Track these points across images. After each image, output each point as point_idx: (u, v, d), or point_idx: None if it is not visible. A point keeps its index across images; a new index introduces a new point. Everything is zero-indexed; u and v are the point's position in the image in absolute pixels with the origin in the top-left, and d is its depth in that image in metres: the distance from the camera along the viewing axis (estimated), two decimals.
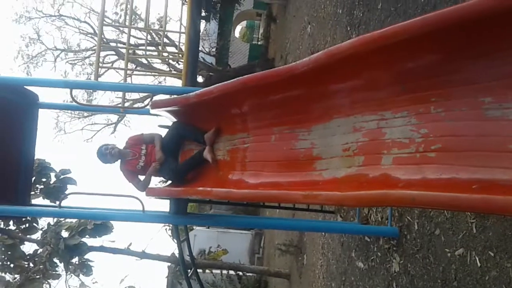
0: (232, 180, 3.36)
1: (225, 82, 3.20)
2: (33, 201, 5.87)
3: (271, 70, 2.86)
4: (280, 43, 16.79)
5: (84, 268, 9.28)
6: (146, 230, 63.16)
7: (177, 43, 12.50)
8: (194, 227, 16.48)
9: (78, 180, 8.54)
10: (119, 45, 18.27)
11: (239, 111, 3.32)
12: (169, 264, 12.55)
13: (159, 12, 19.75)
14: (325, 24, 8.76)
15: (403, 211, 4.26)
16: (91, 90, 18.00)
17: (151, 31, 12.25)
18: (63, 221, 8.78)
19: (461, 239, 3.27)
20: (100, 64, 6.20)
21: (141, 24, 18.21)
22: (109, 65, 15.97)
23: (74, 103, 4.94)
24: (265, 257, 16.52)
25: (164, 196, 4.04)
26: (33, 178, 7.01)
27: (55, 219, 8.72)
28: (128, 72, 6.42)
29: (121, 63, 17.10)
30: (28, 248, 9.34)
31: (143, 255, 9.85)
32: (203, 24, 17.46)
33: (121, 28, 15.98)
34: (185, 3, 7.10)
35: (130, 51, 8.74)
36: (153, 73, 13.80)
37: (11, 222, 8.64)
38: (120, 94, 7.89)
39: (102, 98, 22.44)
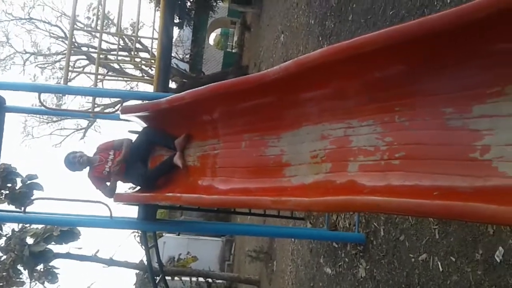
0: (202, 186, 3.35)
1: (197, 89, 3.20)
2: None
3: (242, 77, 2.89)
4: (254, 51, 16.91)
5: (49, 275, 9.14)
6: (114, 237, 62.10)
7: (150, 49, 12.42)
8: (164, 234, 16.33)
9: (45, 186, 8.40)
10: (90, 49, 18.02)
11: (210, 118, 3.32)
12: (137, 271, 12.41)
13: (132, 18, 19.64)
14: (298, 33, 8.88)
15: (370, 217, 4.35)
16: (61, 95, 17.64)
17: (123, 36, 12.15)
18: (28, 227, 8.62)
19: (424, 244, 3.37)
20: (71, 69, 6.11)
21: (113, 29, 18.00)
22: (80, 69, 15.72)
23: (42, 108, 4.86)
24: (236, 264, 16.49)
25: (133, 202, 3.99)
26: None
27: (20, 225, 8.54)
28: (99, 77, 6.35)
29: (92, 68, 16.84)
30: None
31: (110, 262, 9.73)
32: (176, 30, 17.43)
33: (93, 33, 15.79)
34: (159, 9, 7.10)
35: (102, 56, 8.66)
36: (124, 78, 13.65)
37: None
38: (91, 99, 7.79)
39: (72, 103, 22.11)
